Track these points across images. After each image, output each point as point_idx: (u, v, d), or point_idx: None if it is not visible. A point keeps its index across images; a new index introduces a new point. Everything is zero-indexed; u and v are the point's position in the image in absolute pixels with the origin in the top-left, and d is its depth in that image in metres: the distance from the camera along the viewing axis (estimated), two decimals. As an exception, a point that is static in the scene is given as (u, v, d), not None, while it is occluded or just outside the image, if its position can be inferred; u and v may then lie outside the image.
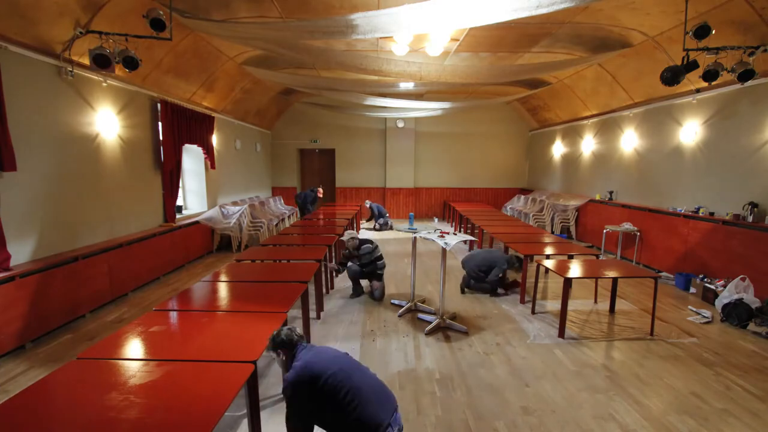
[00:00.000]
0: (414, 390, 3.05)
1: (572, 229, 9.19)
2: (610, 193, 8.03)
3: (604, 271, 4.23)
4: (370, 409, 1.87)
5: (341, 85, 8.38)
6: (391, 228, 9.76)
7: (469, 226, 8.40)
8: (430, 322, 4.17)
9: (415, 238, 4.73)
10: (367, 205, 10.41)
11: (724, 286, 4.84)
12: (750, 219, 4.87)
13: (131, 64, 4.28)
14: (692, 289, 5.47)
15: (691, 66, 4.50)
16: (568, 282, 3.93)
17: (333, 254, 5.72)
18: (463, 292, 5.31)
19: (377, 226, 10.11)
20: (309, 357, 1.98)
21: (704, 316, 4.53)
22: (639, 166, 7.26)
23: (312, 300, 4.55)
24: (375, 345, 3.81)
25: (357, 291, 5.21)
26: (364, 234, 9.07)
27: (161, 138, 6.23)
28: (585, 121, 9.04)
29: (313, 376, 1.88)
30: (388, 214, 10.29)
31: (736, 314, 4.32)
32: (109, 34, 4.21)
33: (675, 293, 5.48)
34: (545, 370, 3.36)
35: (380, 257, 5.13)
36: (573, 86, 8.44)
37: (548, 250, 5.06)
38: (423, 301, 4.88)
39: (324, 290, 5.13)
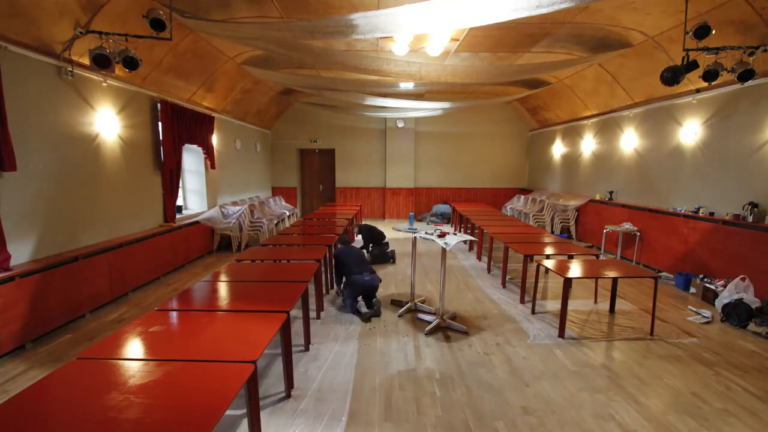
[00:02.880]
0: (414, 390, 3.05)
1: (572, 229, 9.19)
2: (610, 193, 8.03)
3: (604, 271, 4.23)
4: (357, 269, 4.72)
5: (341, 85, 8.38)
6: (392, 261, 6.99)
7: (469, 226, 8.40)
8: (430, 322, 4.17)
9: (415, 238, 4.73)
10: (355, 230, 7.56)
11: (724, 286, 4.84)
12: (750, 219, 4.87)
13: (131, 64, 4.28)
14: (692, 289, 5.47)
15: (691, 66, 4.50)
16: (568, 282, 3.93)
17: (333, 254, 5.71)
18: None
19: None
20: (342, 249, 5.04)
21: (704, 316, 4.53)
22: (639, 166, 7.26)
23: (312, 300, 4.55)
24: (375, 345, 3.81)
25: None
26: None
27: (161, 138, 6.23)
28: (585, 121, 9.04)
29: (342, 254, 4.93)
30: (387, 241, 7.23)
31: (736, 314, 4.32)
32: (109, 34, 4.21)
33: (675, 293, 5.48)
34: (545, 370, 3.36)
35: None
36: (573, 86, 8.44)
37: (548, 250, 5.06)
38: (423, 301, 4.88)
39: (324, 290, 5.13)
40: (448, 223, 9.83)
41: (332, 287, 5.49)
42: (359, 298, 4.63)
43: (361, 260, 4.91)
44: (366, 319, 4.43)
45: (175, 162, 6.40)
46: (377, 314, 4.55)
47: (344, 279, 4.79)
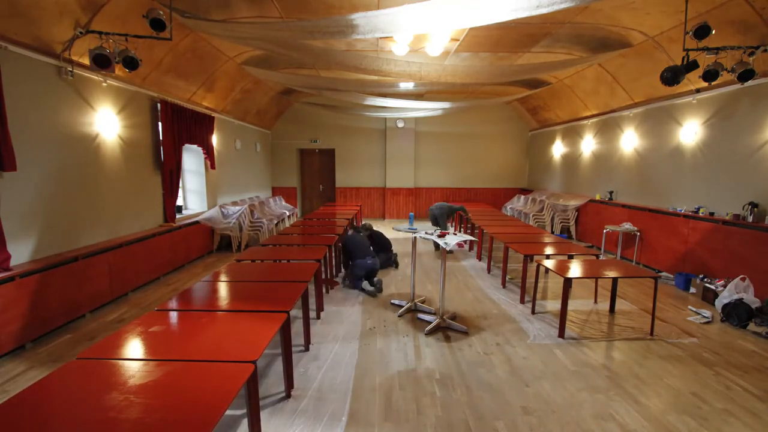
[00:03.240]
0: (414, 390, 3.05)
1: (572, 229, 9.19)
2: (610, 193, 8.02)
3: (604, 271, 4.23)
4: (360, 254, 5.48)
5: (341, 85, 8.38)
6: (395, 266, 6.73)
7: (469, 226, 8.40)
8: (430, 322, 4.17)
9: (415, 238, 4.73)
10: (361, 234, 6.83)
11: (724, 286, 4.84)
12: (750, 219, 4.87)
13: (131, 64, 4.28)
14: (692, 289, 5.47)
15: (691, 66, 4.50)
16: (568, 282, 3.93)
17: (333, 254, 5.72)
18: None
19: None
20: (349, 237, 5.71)
21: (704, 316, 4.53)
22: (639, 166, 7.26)
23: (312, 300, 4.55)
24: (375, 345, 3.81)
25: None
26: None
27: (161, 138, 6.23)
28: (585, 121, 9.04)
29: (348, 242, 5.64)
30: (392, 247, 6.91)
31: (736, 314, 4.32)
32: (109, 34, 4.21)
33: (675, 293, 5.48)
34: (545, 370, 3.36)
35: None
36: (573, 86, 8.44)
37: (548, 250, 5.06)
38: (423, 301, 4.88)
39: (324, 290, 5.13)
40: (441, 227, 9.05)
41: (340, 271, 6.30)
42: (364, 281, 5.53)
43: (365, 248, 5.66)
44: (372, 294, 5.28)
45: (175, 162, 6.40)
46: (380, 291, 5.36)
47: (350, 263, 5.61)
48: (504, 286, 5.59)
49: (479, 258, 7.29)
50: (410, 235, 4.61)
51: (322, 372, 3.30)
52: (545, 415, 2.75)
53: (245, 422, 2.59)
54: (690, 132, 5.97)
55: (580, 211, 9.03)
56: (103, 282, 4.69)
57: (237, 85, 8.10)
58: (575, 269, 4.23)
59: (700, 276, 5.44)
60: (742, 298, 4.40)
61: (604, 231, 7.42)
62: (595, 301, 5.05)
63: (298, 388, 3.05)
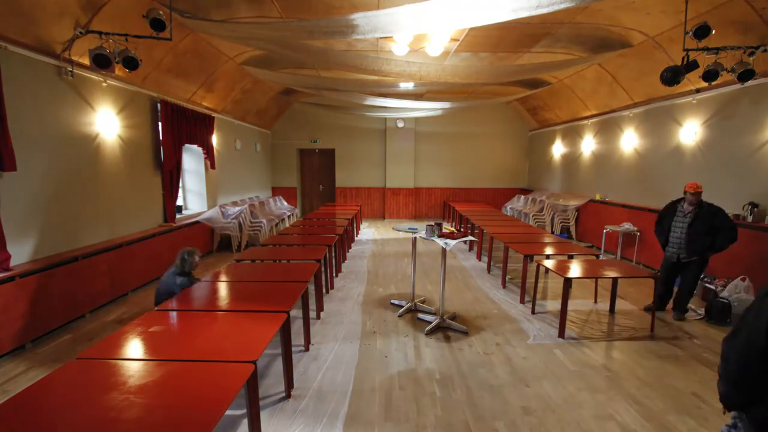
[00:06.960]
0: (414, 390, 3.05)
1: (572, 229, 9.18)
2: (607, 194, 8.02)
3: (604, 271, 4.23)
4: None
5: (341, 85, 8.38)
6: None
7: (469, 226, 8.40)
8: (430, 322, 4.17)
9: (415, 238, 4.73)
10: None
11: (724, 286, 4.84)
12: (750, 219, 4.87)
13: (131, 64, 4.28)
14: (692, 289, 5.46)
15: (691, 66, 4.50)
16: (568, 282, 3.93)
17: (333, 254, 5.71)
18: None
19: None
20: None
21: (698, 313, 4.54)
22: (639, 166, 7.25)
23: (312, 300, 4.55)
24: (375, 345, 3.81)
25: None
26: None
27: (161, 138, 6.22)
28: (585, 121, 9.04)
29: None
30: None
31: (715, 312, 4.43)
32: (109, 34, 4.21)
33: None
34: (545, 370, 3.36)
35: None
36: (573, 86, 8.44)
37: (548, 250, 5.06)
38: (423, 301, 4.88)
39: (324, 290, 5.13)
40: None
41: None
42: None
43: None
44: None
45: (175, 162, 6.39)
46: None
47: None
48: (504, 286, 5.58)
49: (479, 258, 7.29)
50: (410, 235, 4.62)
51: (322, 372, 3.30)
52: (545, 415, 2.75)
53: (245, 422, 2.59)
54: (690, 132, 5.97)
55: (580, 211, 9.03)
56: (103, 282, 4.69)
57: (237, 85, 8.10)
58: (575, 269, 4.23)
59: (701, 276, 5.43)
60: (726, 297, 4.48)
61: (604, 231, 7.42)
62: (595, 301, 5.04)
63: (298, 388, 3.05)
